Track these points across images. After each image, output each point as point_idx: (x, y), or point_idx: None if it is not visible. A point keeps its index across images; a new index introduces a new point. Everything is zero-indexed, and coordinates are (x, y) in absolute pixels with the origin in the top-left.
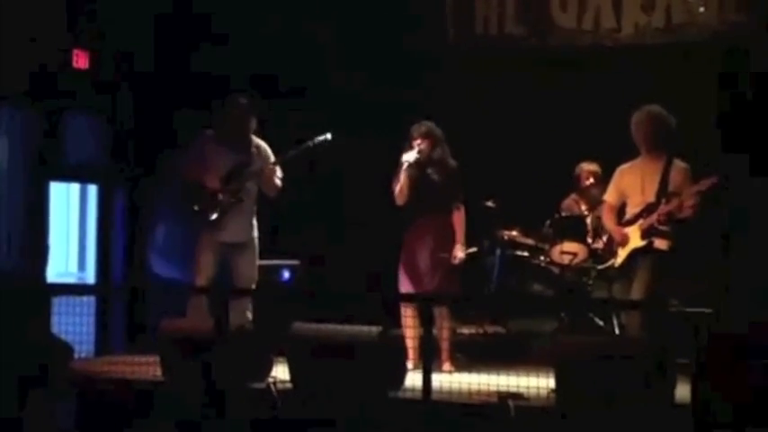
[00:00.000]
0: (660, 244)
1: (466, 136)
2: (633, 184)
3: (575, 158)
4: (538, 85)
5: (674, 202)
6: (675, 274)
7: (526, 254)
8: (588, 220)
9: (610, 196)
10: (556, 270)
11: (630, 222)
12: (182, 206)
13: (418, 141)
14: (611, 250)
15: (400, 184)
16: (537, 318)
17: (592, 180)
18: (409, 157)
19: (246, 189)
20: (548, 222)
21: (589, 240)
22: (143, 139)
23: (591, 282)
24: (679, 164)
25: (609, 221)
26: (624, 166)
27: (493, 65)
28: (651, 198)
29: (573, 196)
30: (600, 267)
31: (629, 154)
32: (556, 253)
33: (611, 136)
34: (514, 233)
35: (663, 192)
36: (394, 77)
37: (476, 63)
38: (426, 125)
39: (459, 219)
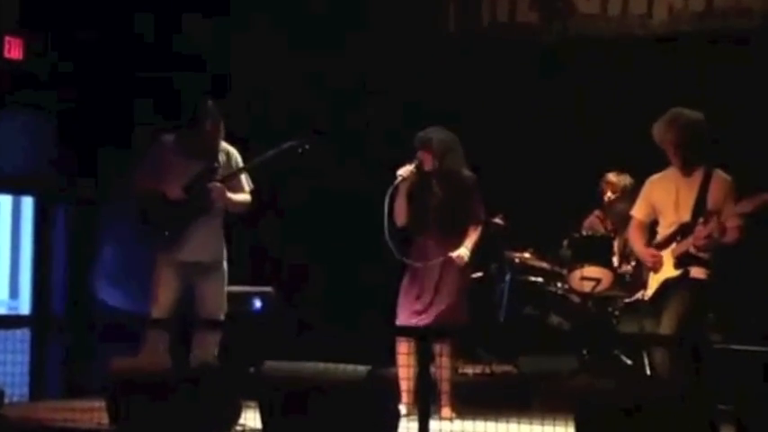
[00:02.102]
0: (697, 272)
1: (469, 141)
2: (666, 199)
3: (599, 167)
4: (554, 82)
5: (713, 225)
6: (716, 305)
7: (541, 280)
8: (615, 242)
9: (638, 211)
10: (576, 299)
11: (662, 245)
12: (136, 222)
13: (418, 153)
14: (640, 277)
15: (398, 203)
16: (553, 355)
17: (618, 193)
18: (403, 171)
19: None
20: (566, 243)
21: (615, 264)
22: (89, 143)
23: (617, 313)
24: (720, 175)
25: (637, 241)
26: (655, 178)
27: (501, 59)
28: (686, 217)
29: (596, 212)
30: (628, 300)
31: (663, 163)
32: (576, 279)
33: (643, 141)
34: (527, 255)
35: (699, 209)
36: (385, 72)
37: (481, 56)
38: (426, 134)
39: (473, 231)
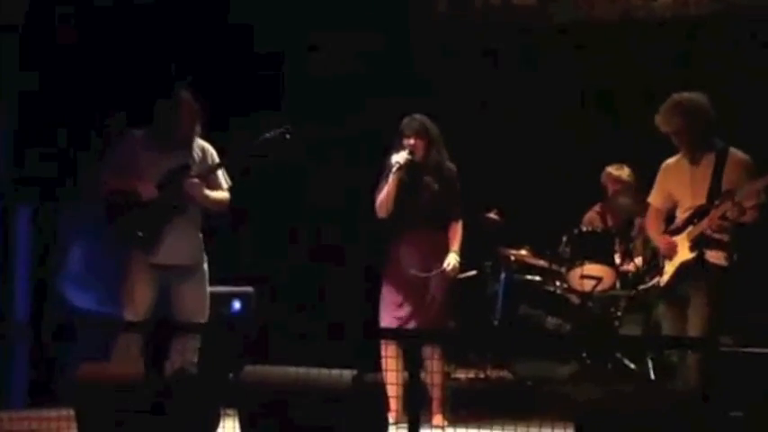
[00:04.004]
0: (714, 257)
1: (461, 131)
2: (680, 185)
3: (600, 160)
4: (552, 69)
5: (727, 204)
6: (734, 298)
7: (538, 278)
8: (617, 238)
9: (654, 199)
10: (575, 299)
11: (679, 230)
12: (105, 222)
13: (411, 141)
14: (656, 267)
15: (386, 192)
16: (552, 359)
17: (619, 187)
18: (399, 158)
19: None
20: (565, 239)
21: (617, 262)
22: (54, 138)
23: (620, 313)
24: (736, 155)
25: (653, 229)
26: (670, 162)
27: (495, 43)
28: (701, 201)
29: (596, 208)
30: (642, 287)
31: (666, 153)
32: (575, 277)
33: (646, 132)
34: (523, 253)
35: (716, 191)
36: (371, 58)
37: (473, 41)
38: (420, 120)
39: (455, 230)
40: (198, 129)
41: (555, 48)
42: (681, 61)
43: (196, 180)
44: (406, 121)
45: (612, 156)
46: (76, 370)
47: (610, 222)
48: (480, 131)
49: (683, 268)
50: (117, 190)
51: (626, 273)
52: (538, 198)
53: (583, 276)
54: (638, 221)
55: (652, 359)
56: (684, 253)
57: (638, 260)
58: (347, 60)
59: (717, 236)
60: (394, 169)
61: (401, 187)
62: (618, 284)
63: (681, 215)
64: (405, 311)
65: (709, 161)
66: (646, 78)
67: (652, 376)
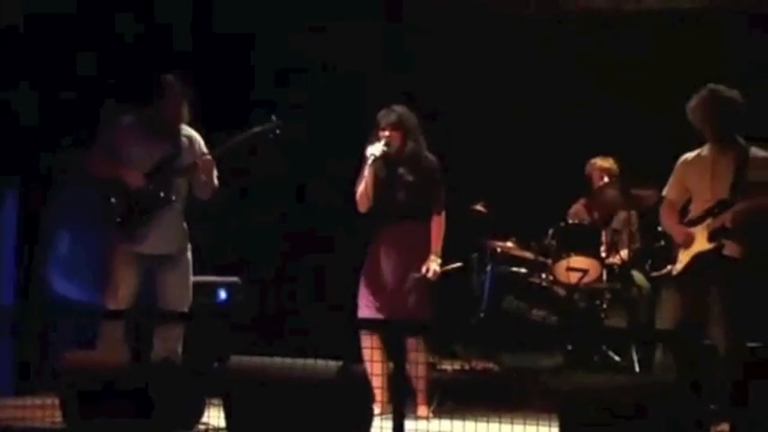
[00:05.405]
0: (730, 249)
1: (449, 123)
2: (700, 178)
3: (586, 153)
4: (540, 60)
5: (759, 199)
6: (748, 291)
7: (524, 270)
8: (603, 231)
9: (670, 191)
10: (561, 291)
11: (696, 222)
12: (92, 210)
13: (386, 133)
14: (671, 254)
15: (364, 185)
16: (537, 351)
17: (607, 179)
18: (375, 149)
19: (176, 187)
20: (551, 231)
21: (603, 254)
22: (43, 121)
23: (605, 306)
24: (758, 153)
25: (668, 219)
26: (689, 156)
27: (480, 34)
28: (724, 194)
29: (582, 201)
30: (655, 275)
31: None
32: (561, 270)
33: (633, 126)
34: (509, 245)
35: (738, 187)
36: (360, 48)
37: (457, 31)
38: (397, 112)
39: (437, 226)
40: (185, 115)
41: (543, 40)
42: (669, 54)
43: (209, 157)
44: (382, 112)
45: (599, 148)
46: (62, 358)
47: (595, 216)
48: (468, 124)
49: (700, 258)
50: (105, 177)
51: (612, 265)
52: (524, 190)
53: (569, 268)
54: (622, 214)
55: (637, 351)
56: (702, 243)
57: (624, 253)
58: (342, 49)
59: (734, 228)
60: (369, 162)
61: (378, 180)
62: (604, 277)
63: (697, 207)
64: (381, 305)
65: (731, 157)
66: (632, 71)
67: (637, 368)
